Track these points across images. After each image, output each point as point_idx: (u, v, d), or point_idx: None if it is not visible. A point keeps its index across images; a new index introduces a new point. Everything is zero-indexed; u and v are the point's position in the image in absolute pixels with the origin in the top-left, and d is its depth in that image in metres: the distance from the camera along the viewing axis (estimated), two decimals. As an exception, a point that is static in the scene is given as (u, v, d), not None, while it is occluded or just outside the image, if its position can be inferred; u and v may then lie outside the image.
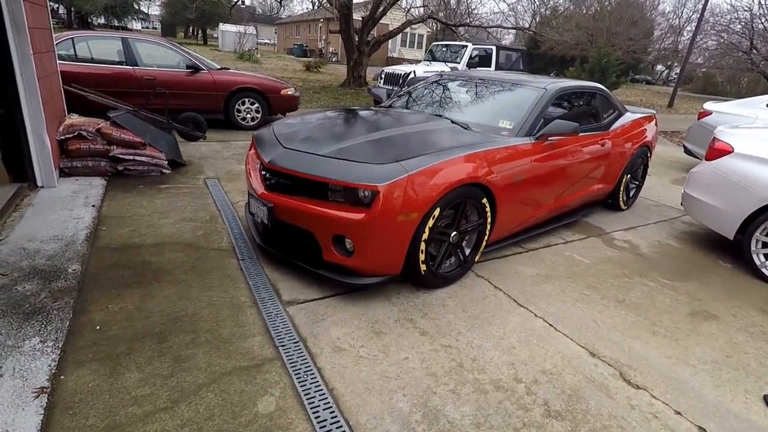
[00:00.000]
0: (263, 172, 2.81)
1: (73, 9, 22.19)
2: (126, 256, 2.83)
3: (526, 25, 27.09)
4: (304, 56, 32.42)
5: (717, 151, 3.66)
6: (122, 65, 5.99)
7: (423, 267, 2.65)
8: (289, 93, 7.20)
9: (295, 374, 1.99)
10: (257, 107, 6.94)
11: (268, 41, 53.90)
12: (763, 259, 3.42)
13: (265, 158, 2.73)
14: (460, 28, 17.68)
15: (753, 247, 3.45)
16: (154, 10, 44.30)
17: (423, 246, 2.58)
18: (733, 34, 26.55)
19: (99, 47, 6.08)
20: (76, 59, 5.80)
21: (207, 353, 2.06)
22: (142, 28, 53.23)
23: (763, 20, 24.89)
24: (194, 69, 6.39)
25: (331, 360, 2.12)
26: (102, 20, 30.80)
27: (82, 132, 3.89)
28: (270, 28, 53.30)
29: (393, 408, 1.88)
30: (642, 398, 2.08)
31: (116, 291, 2.46)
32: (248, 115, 6.91)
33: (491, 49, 12.42)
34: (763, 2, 24.86)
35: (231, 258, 2.95)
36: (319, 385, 1.94)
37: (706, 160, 3.80)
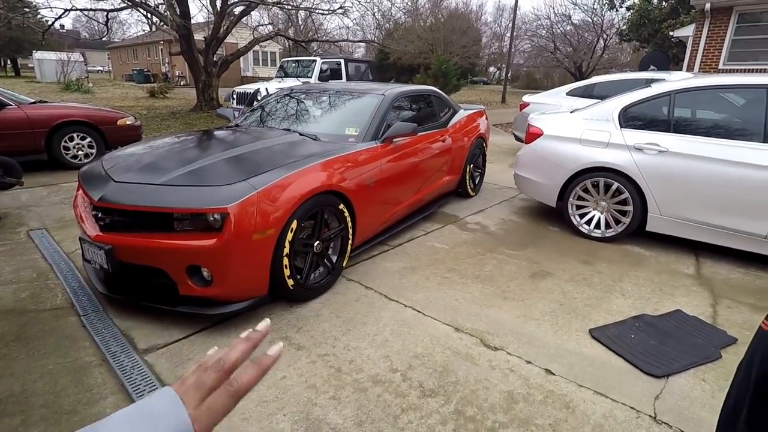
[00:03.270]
0: (94, 212, 2.52)
1: None
2: None
3: (373, 38, 28.51)
4: (146, 82, 29.73)
5: (532, 135, 4.28)
6: None
7: (290, 282, 2.63)
8: (128, 123, 6.56)
9: (160, 424, 1.82)
10: (90, 142, 6.18)
11: (101, 68, 48.26)
12: (578, 219, 4.10)
13: (94, 196, 2.46)
14: (312, 44, 17.93)
15: (570, 211, 4.11)
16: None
17: (286, 261, 2.56)
18: (541, 38, 31.43)
19: None
20: None
21: (44, 432, 1.77)
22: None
23: (560, 26, 29.93)
24: (-2, 106, 5.45)
25: (201, 399, 1.98)
26: None
27: None
28: (102, 53, 47.77)
29: (273, 431, 1.83)
30: (500, 357, 2.34)
31: None
32: (80, 152, 6.12)
33: (340, 61, 12.84)
34: (556, 12, 29.92)
35: (69, 316, 2.58)
36: (189, 429, 1.80)
37: (525, 143, 4.42)
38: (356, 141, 3.36)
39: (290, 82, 10.81)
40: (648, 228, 3.79)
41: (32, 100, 6.09)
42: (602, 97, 5.26)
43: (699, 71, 10.33)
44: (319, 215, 2.79)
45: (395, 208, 3.70)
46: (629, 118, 3.83)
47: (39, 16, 17.80)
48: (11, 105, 5.58)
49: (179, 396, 0.44)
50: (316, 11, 13.71)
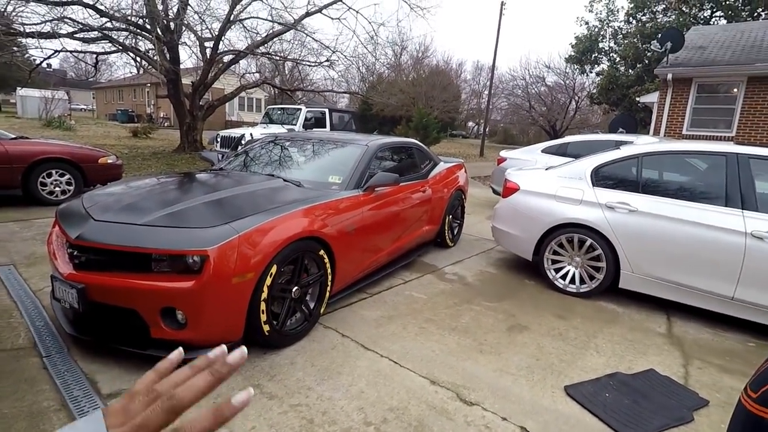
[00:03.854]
0: (70, 250, 2.48)
1: None
2: None
3: (357, 90, 29.55)
4: (130, 122, 29.83)
5: (509, 190, 4.45)
6: None
7: (266, 327, 2.59)
8: (109, 161, 6.54)
9: (120, 478, 1.71)
10: (68, 179, 6.11)
11: (84, 107, 48.25)
12: (554, 273, 4.19)
13: (71, 234, 2.42)
14: (298, 92, 18.47)
15: (546, 265, 4.21)
16: None
17: (264, 306, 2.53)
18: (517, 97, 33.18)
19: None
20: None
21: (-7, 482, 1.65)
22: None
23: (534, 87, 31.75)
24: (-24, 140, 5.39)
25: (165, 450, 1.88)
26: None
27: None
28: (86, 92, 48.00)
29: (239, 485, 1.74)
30: (476, 413, 2.31)
31: None
32: (57, 188, 6.04)
33: (325, 111, 13.24)
34: (531, 74, 31.86)
35: (31, 357, 2.46)
36: (151, 483, 1.70)
37: (503, 197, 4.58)
38: (339, 189, 3.43)
39: (275, 129, 11.04)
40: (621, 285, 3.89)
41: (12, 136, 6.04)
42: (575, 156, 5.54)
43: (665, 135, 11.01)
44: (299, 261, 2.80)
45: (375, 256, 3.73)
46: (601, 178, 4.03)
47: (27, 54, 17.96)
48: (-10, 139, 5.52)
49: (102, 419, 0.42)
50: (303, 63, 14.25)
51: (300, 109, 12.69)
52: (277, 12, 12.28)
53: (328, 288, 3.09)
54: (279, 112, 13.28)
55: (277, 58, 13.98)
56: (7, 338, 2.64)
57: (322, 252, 2.95)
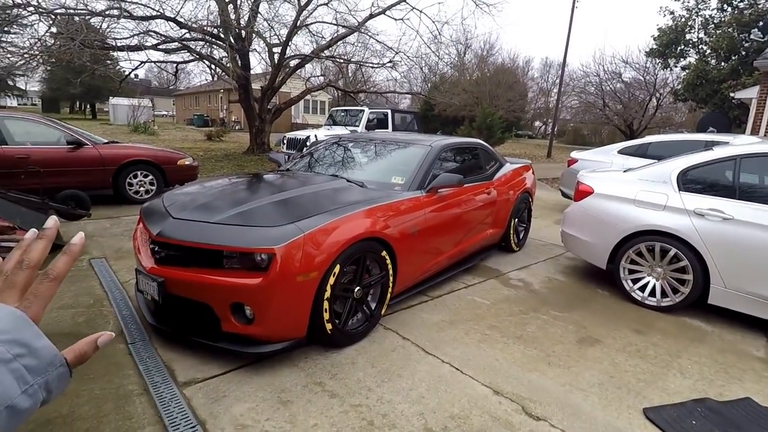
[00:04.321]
0: (152, 246, 2.66)
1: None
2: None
3: (419, 90, 29.48)
4: (205, 126, 31.94)
5: (581, 193, 4.20)
6: (-12, 145, 5.43)
7: (329, 326, 2.62)
8: (187, 163, 7.01)
9: (192, 463, 1.81)
10: (151, 179, 6.62)
11: (165, 113, 52.33)
12: (631, 284, 3.89)
13: (153, 231, 2.60)
14: (360, 94, 18.76)
15: (622, 275, 3.92)
16: (33, 86, 41.15)
17: (326, 305, 2.57)
18: (590, 95, 31.34)
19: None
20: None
21: (84, 457, 1.80)
22: (19, 104, 48.96)
23: (609, 83, 29.82)
24: (76, 144, 5.99)
25: (233, 440, 1.96)
26: (-30, 99, 27.77)
27: (-69, 219, 3.40)
28: (167, 99, 52.05)
29: (302, 482, 1.77)
30: (543, 429, 2.19)
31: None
32: (142, 188, 6.56)
33: (387, 112, 13.32)
34: (606, 69, 29.89)
35: (118, 343, 2.67)
36: (219, 471, 1.78)
37: (574, 201, 4.33)
38: (402, 189, 3.41)
39: (339, 130, 11.28)
40: (710, 300, 3.52)
41: (105, 141, 6.64)
42: (657, 158, 5.13)
43: (765, 135, 9.91)
44: (362, 261, 2.81)
45: (437, 258, 3.67)
46: (689, 181, 3.68)
47: (118, 66, 19.77)
48: (88, 145, 6.11)
49: None
50: (366, 64, 14.44)
51: (363, 111, 12.86)
52: (341, 15, 12.58)
53: (390, 289, 3.08)
54: (342, 113, 13.55)
55: (341, 60, 14.29)
56: (99, 325, 2.89)
57: (384, 253, 2.94)
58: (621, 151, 7.16)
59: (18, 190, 4.28)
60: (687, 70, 21.33)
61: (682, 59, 23.04)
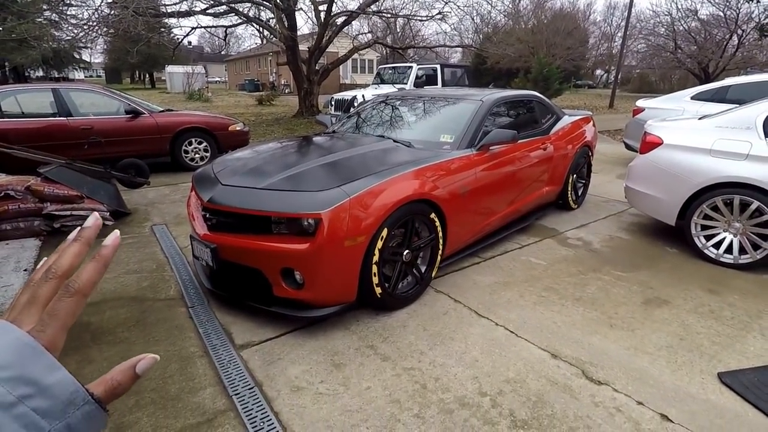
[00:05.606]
0: (203, 213, 2.72)
1: (7, 64, 21.37)
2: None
3: (471, 43, 28.08)
4: (255, 91, 32.41)
5: (649, 144, 3.83)
6: (55, 117, 5.76)
7: (378, 290, 2.60)
8: (238, 129, 7.12)
9: (251, 423, 1.88)
10: (205, 146, 6.81)
11: (218, 79, 53.62)
12: (704, 241, 3.57)
13: (204, 197, 2.65)
14: (409, 50, 18.14)
15: (693, 231, 3.60)
16: (97, 58, 43.37)
17: (375, 269, 2.54)
18: (659, 37, 28.44)
19: (28, 101, 5.84)
20: (2, 115, 5.54)
21: (152, 415, 1.92)
22: (85, 77, 51.90)
23: (683, 23, 26.84)
24: (134, 114, 6.23)
25: (288, 402, 2.02)
26: (40, 72, 29.70)
27: (9, 192, 3.67)
28: (220, 66, 53.15)
29: (355, 443, 1.80)
30: (605, 394, 2.09)
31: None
32: (197, 155, 6.77)
33: (436, 67, 12.79)
34: (680, 7, 26.83)
35: (180, 307, 2.81)
36: (277, 431, 1.84)
37: (640, 153, 3.97)
38: (451, 148, 3.26)
39: (386, 89, 11.00)
40: (797, 256, 3.18)
41: (161, 109, 6.86)
42: (738, 102, 4.56)
43: None
44: (410, 224, 2.74)
45: (489, 219, 3.52)
46: (777, 126, 3.25)
47: (171, 34, 20.26)
48: (144, 113, 6.34)
49: (8, 322, 0.39)
50: (415, 18, 13.82)
51: (411, 67, 12.43)
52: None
53: (440, 252, 3.00)
54: (390, 71, 13.19)
55: (388, 15, 13.76)
56: (162, 289, 3.05)
57: (433, 215, 2.85)
58: (695, 97, 6.46)
59: (83, 161, 4.53)
60: (778, -1, 18.67)
61: (772, -14, 20.14)
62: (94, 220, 0.47)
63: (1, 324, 0.38)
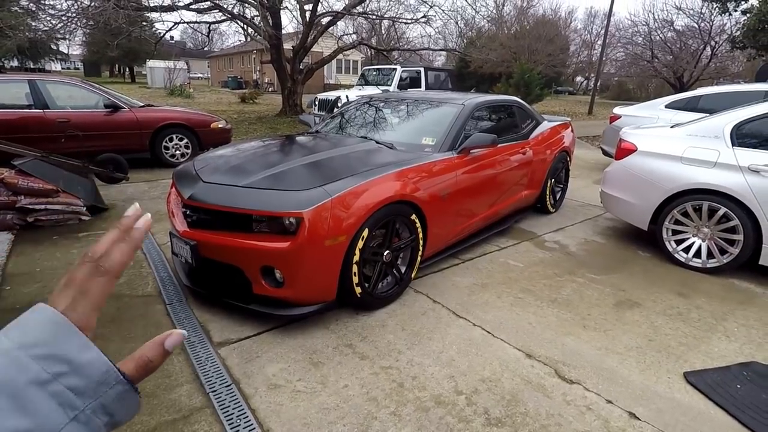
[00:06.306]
0: (184, 209, 2.70)
1: (-21, 54, 20.75)
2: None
3: (455, 47, 28.34)
4: (239, 88, 32.07)
5: (624, 151, 3.95)
6: (30, 109, 5.61)
7: (358, 290, 2.62)
8: (220, 126, 7.05)
9: (227, 420, 1.88)
10: (186, 143, 6.73)
11: (201, 75, 52.82)
12: (674, 245, 3.70)
13: (185, 194, 2.63)
14: (393, 52, 18.18)
15: (665, 236, 3.72)
16: (75, 50, 42.30)
17: (356, 268, 2.56)
18: (637, 46, 29.23)
19: (2, 91, 5.67)
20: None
21: (127, 410, 1.90)
22: (63, 69, 50.57)
23: (659, 33, 27.64)
24: (114, 108, 6.11)
25: (266, 399, 2.03)
26: (15, 62, 28.81)
27: (-18, 184, 3.58)
28: (202, 62, 52.40)
29: (332, 440, 1.82)
30: (576, 392, 2.15)
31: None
32: (177, 152, 6.68)
33: (420, 70, 12.87)
34: (656, 17, 27.62)
35: (157, 304, 2.78)
36: (253, 428, 1.85)
37: (615, 159, 4.09)
38: (432, 151, 3.30)
39: (370, 90, 11.03)
40: (762, 261, 3.31)
41: (141, 104, 6.74)
42: (709, 111, 4.74)
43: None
44: (391, 224, 2.77)
45: (469, 221, 3.58)
46: (744, 136, 3.39)
47: (153, 28, 19.89)
48: (125, 108, 6.23)
49: (44, 304, 0.40)
50: (399, 20, 13.88)
51: (395, 69, 12.49)
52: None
53: (420, 253, 3.04)
54: (374, 72, 13.22)
55: (374, 17, 13.79)
56: (139, 286, 3.01)
57: (413, 216, 2.88)
58: (669, 106, 6.68)
59: (59, 154, 4.43)
60: (748, 14, 19.35)
61: (743, 2, 20.90)
62: (134, 210, 0.47)
63: (37, 305, 0.39)
